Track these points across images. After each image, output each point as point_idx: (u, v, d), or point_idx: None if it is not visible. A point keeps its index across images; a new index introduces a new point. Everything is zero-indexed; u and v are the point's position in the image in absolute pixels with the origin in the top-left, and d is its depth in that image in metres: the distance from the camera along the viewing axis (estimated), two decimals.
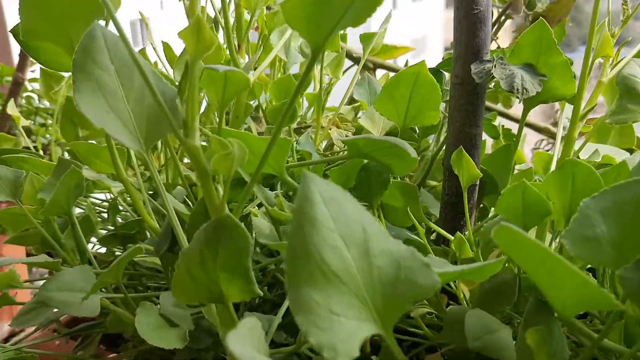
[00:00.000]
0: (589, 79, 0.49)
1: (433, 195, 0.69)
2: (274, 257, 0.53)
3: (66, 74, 0.82)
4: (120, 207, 0.65)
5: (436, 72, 0.62)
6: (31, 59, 0.63)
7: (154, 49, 0.81)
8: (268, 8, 0.65)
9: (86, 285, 0.45)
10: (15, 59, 1.30)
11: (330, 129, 0.70)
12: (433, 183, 0.74)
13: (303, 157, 0.63)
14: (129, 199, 0.63)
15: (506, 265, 0.48)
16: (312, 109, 0.77)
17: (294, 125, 0.72)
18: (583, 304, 0.33)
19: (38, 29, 0.43)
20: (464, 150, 0.50)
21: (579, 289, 0.30)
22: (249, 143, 0.44)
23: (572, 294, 0.31)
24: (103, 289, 0.52)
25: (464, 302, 0.51)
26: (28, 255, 0.83)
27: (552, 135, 0.91)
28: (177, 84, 0.61)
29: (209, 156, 0.34)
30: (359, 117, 0.60)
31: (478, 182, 0.57)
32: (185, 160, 0.73)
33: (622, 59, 0.50)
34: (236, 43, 0.61)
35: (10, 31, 0.49)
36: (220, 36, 0.76)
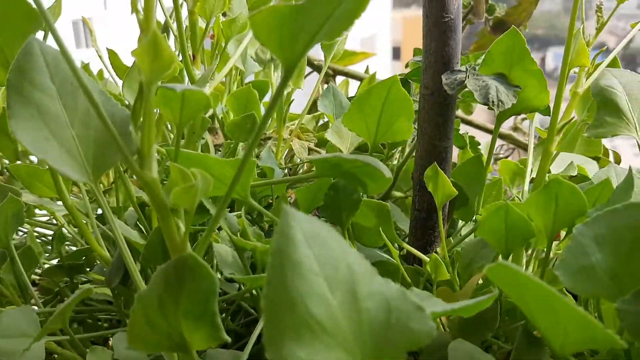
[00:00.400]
0: (564, 89, 0.47)
1: (400, 208, 0.66)
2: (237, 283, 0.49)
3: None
4: (65, 230, 0.60)
5: (404, 82, 0.59)
6: None
7: (100, 56, 0.76)
8: (224, 15, 0.61)
9: (28, 328, 0.40)
10: None
11: (292, 141, 0.66)
12: (398, 194, 0.71)
13: (264, 171, 0.59)
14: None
15: (484, 290, 0.45)
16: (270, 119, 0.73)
17: None
18: (584, 344, 0.30)
19: None
20: (439, 168, 0.47)
21: (582, 329, 0.28)
22: (210, 167, 0.41)
23: (574, 334, 0.29)
24: None
25: (441, 326, 0.48)
26: None
27: (514, 142, 0.90)
28: (126, 102, 0.56)
29: (169, 188, 0.30)
30: (327, 133, 0.56)
31: None
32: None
33: (599, 63, 0.48)
34: (191, 53, 0.57)
35: None
36: (171, 42, 0.71)
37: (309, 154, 0.70)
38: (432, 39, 0.52)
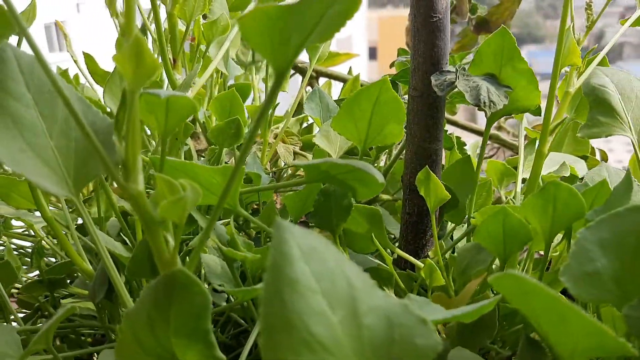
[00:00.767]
0: (556, 89, 0.46)
1: (388, 211, 0.65)
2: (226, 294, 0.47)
3: None
4: (45, 242, 0.58)
5: (392, 84, 0.58)
6: None
7: (75, 61, 0.73)
8: (204, 17, 0.59)
9: (8, 349, 0.38)
10: None
11: (277, 145, 0.65)
12: (385, 197, 0.70)
13: (249, 177, 0.58)
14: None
15: (481, 295, 0.44)
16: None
17: None
18: (594, 352, 0.29)
19: None
20: (431, 171, 0.46)
21: (594, 338, 0.27)
22: (197, 175, 0.39)
23: (584, 342, 0.28)
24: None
25: (436, 333, 0.47)
26: None
27: (499, 141, 0.89)
28: (107, 109, 0.54)
29: (155, 201, 0.29)
30: (315, 137, 0.55)
31: None
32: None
33: (593, 56, 0.47)
34: (171, 57, 0.55)
35: None
36: (150, 46, 0.69)
37: (294, 158, 0.69)
38: (421, 40, 0.50)
